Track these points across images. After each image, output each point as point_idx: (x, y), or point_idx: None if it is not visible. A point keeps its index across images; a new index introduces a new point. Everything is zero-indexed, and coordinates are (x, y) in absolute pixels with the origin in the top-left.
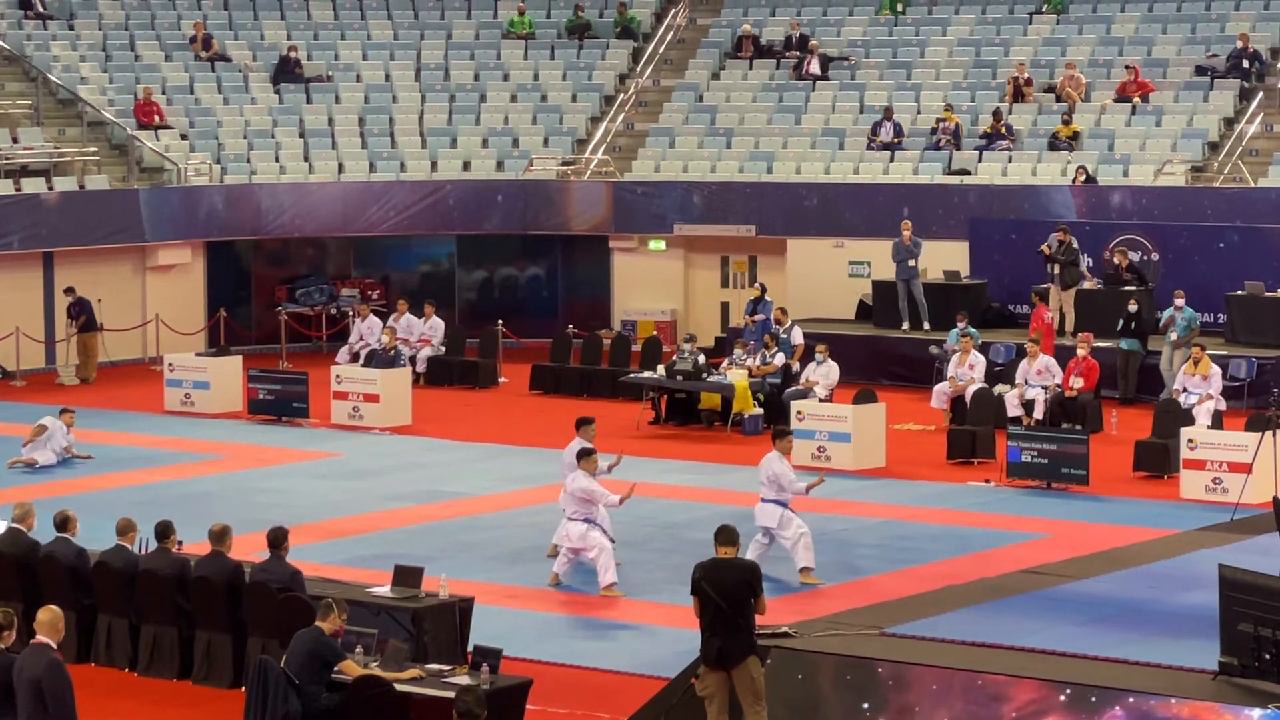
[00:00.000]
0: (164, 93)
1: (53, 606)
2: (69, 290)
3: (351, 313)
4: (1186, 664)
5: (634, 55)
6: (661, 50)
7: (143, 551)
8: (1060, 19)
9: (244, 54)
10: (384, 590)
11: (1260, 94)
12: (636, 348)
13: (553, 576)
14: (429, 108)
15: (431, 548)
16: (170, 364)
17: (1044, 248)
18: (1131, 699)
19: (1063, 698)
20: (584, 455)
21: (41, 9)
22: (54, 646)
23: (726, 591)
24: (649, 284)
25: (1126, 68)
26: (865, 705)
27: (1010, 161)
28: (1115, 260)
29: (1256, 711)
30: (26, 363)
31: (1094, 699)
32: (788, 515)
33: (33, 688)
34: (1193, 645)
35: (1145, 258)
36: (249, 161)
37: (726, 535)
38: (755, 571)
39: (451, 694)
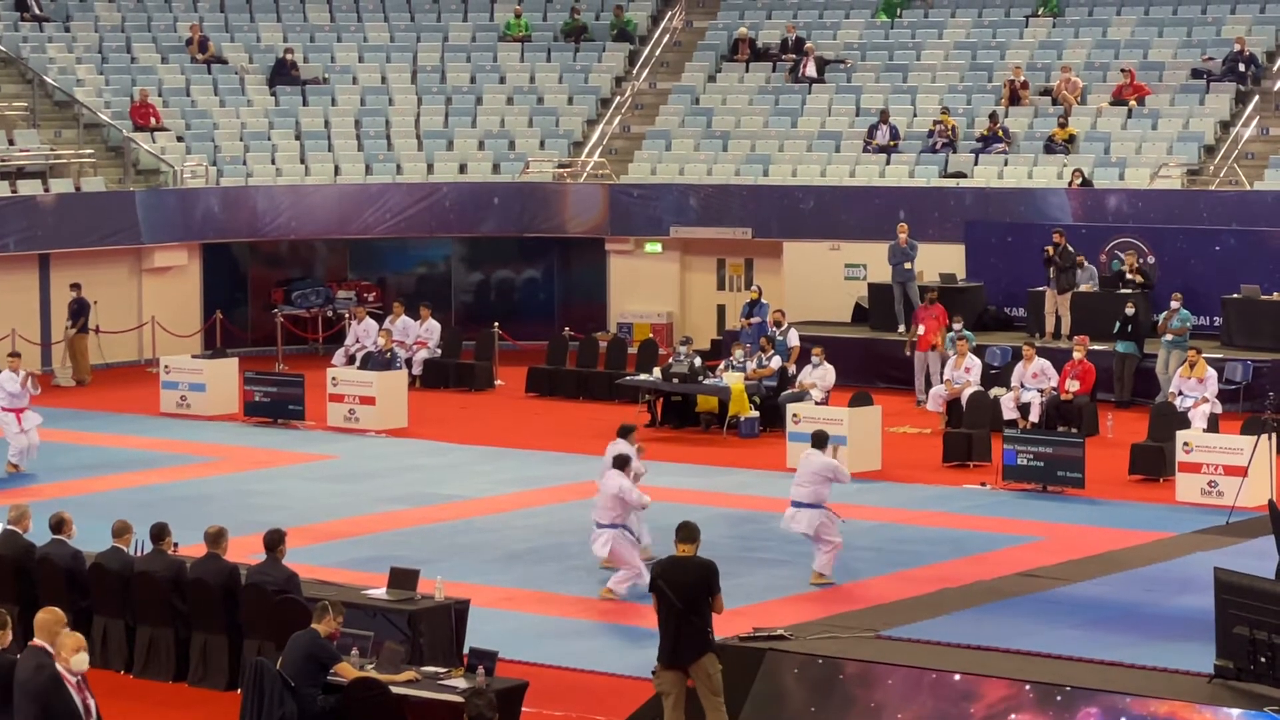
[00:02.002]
0: (160, 95)
1: (53, 608)
2: (75, 286)
3: (348, 315)
4: (1182, 667)
5: (630, 58)
6: (658, 53)
7: (138, 553)
8: (1056, 22)
9: (240, 56)
10: (380, 592)
11: (1256, 97)
12: (633, 350)
13: (606, 590)
14: (425, 110)
15: (427, 550)
16: (166, 366)
17: (1048, 249)
18: (1109, 698)
19: (1032, 695)
20: (623, 464)
21: (38, 11)
22: (50, 649)
23: (682, 590)
24: (645, 286)
25: (1122, 71)
26: (853, 708)
27: (1006, 164)
28: (1126, 262)
29: (1236, 711)
30: (23, 364)
31: (1067, 699)
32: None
33: (25, 690)
34: (1188, 648)
35: (1143, 260)
36: (245, 163)
37: (686, 532)
38: (712, 570)
39: (447, 696)
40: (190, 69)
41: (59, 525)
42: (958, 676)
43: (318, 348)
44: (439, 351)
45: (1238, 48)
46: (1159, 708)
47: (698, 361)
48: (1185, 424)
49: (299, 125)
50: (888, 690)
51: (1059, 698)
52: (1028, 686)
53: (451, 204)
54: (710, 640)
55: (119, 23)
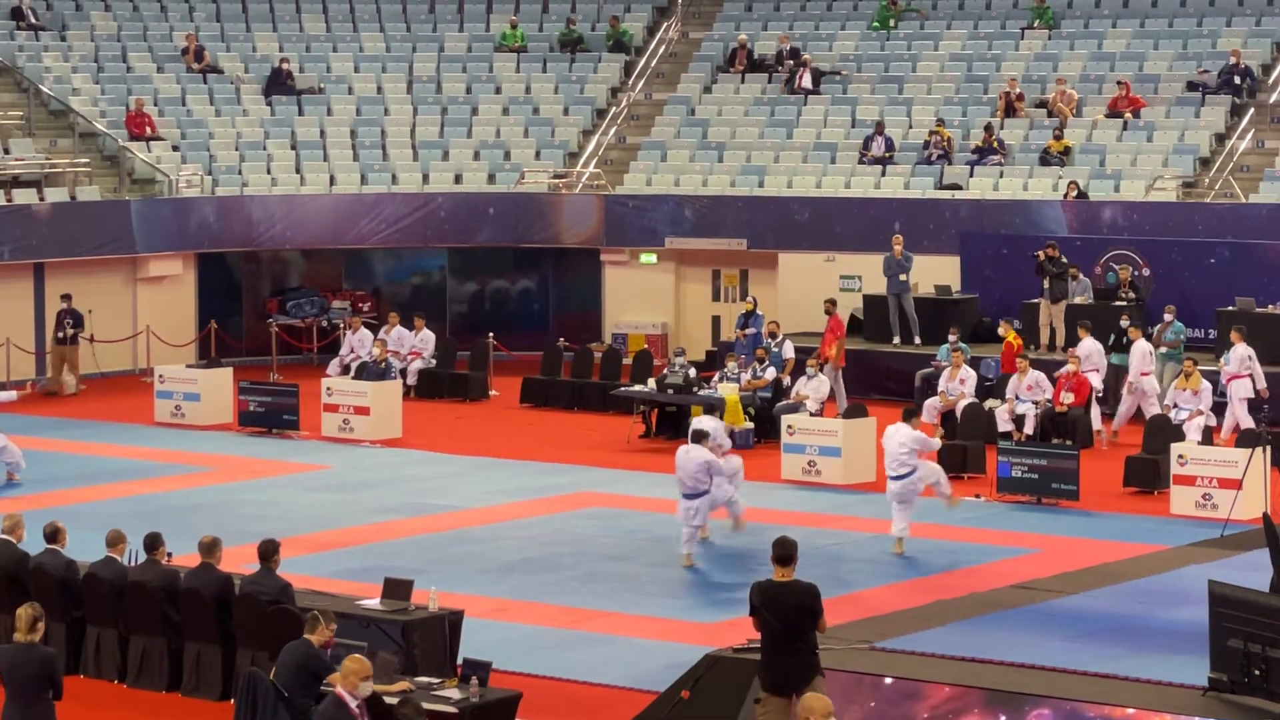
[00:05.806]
0: (156, 104)
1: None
2: (65, 297)
3: (342, 325)
4: (1176, 680)
5: (626, 68)
6: (653, 64)
7: (132, 563)
8: (1052, 34)
9: (236, 65)
10: (374, 603)
11: (1251, 110)
12: (627, 361)
13: (686, 558)
14: (421, 120)
15: (421, 560)
16: (161, 375)
17: (1039, 253)
18: (1062, 702)
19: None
20: (701, 437)
21: (34, 20)
22: None
23: (786, 616)
24: (640, 297)
25: (1118, 83)
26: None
27: (1002, 176)
28: (1120, 275)
29: (1196, 718)
30: (17, 374)
31: (1018, 703)
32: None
33: None
34: (1182, 661)
35: (1136, 273)
36: (240, 173)
37: (785, 553)
38: (815, 593)
39: (441, 707)
40: (186, 78)
41: (53, 535)
42: (907, 681)
43: (312, 358)
44: (434, 362)
45: (1233, 60)
46: (1114, 711)
47: (692, 372)
48: (1180, 436)
49: (294, 135)
50: (874, 699)
51: (1012, 703)
52: (974, 693)
53: (446, 214)
54: (818, 663)
55: (115, 32)
